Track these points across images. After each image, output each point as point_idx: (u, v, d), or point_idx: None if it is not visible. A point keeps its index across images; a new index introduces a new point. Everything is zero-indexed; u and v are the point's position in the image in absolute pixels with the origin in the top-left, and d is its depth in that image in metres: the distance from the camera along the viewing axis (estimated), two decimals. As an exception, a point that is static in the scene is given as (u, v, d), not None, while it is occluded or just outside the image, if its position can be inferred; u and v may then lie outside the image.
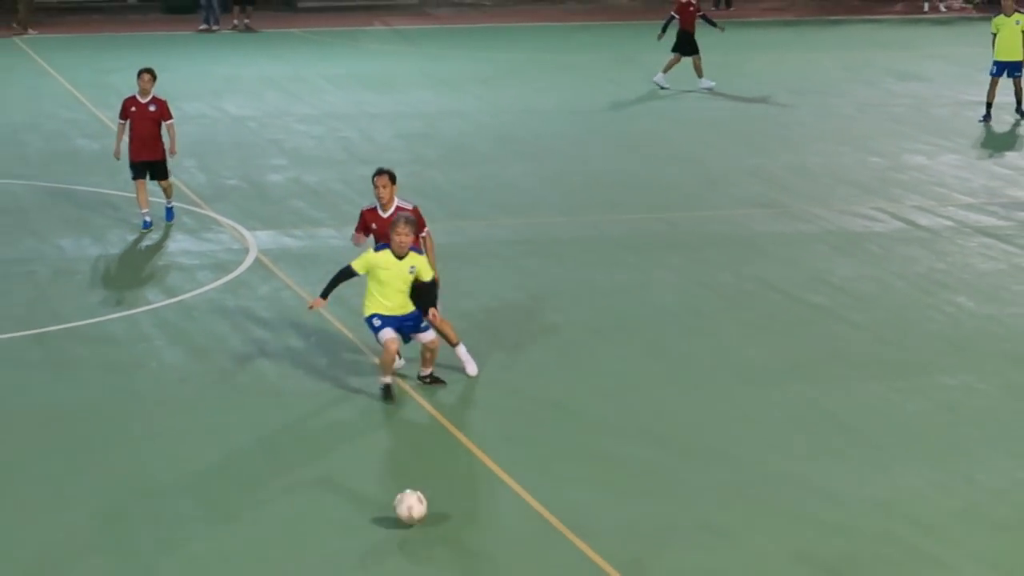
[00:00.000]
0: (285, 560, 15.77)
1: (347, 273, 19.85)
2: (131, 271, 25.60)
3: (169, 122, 28.49)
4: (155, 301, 23.78)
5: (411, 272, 19.44)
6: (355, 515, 16.78)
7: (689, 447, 18.68)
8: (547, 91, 42.67)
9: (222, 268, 25.54)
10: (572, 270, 26.23)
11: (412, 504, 16.38)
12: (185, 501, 17.35)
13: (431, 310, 19.68)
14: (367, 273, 19.66)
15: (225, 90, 41.25)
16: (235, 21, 52.59)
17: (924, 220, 28.89)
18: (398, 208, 20.53)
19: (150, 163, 28.36)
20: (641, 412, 19.77)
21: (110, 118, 35.27)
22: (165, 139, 28.24)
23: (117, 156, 28.67)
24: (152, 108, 28.35)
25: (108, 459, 18.56)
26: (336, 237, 27.32)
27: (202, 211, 29.06)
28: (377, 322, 19.56)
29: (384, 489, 17.20)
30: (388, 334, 19.50)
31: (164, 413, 19.84)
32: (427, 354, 20.00)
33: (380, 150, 34.32)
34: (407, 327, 19.77)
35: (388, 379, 19.86)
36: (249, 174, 32.03)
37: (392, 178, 20.83)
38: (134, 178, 28.40)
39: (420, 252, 19.61)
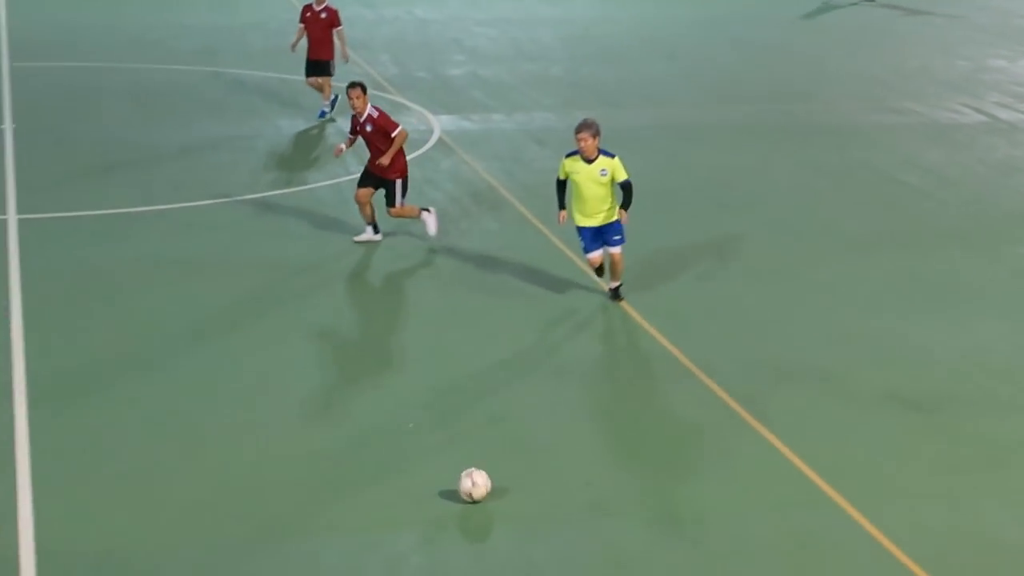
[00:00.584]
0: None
1: (560, 183, 18.23)
2: (328, 145, 25.79)
3: (338, 28, 28.39)
4: (356, 172, 23.93)
5: (603, 175, 17.74)
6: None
7: (801, 303, 18.86)
8: (685, 3, 42.13)
9: (411, 145, 25.67)
10: (703, 152, 26.37)
11: (477, 482, 13.46)
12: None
13: (620, 211, 17.96)
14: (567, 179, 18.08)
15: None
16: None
17: (1004, 115, 28.83)
18: (369, 116, 20.28)
19: (319, 62, 28.29)
20: (762, 273, 19.97)
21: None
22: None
23: (293, 50, 28.71)
24: (323, 15, 28.23)
25: (336, 296, 19.13)
26: (506, 122, 27.72)
27: (394, 98, 29.30)
28: (583, 243, 18.26)
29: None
30: (593, 256, 18.29)
31: (366, 268, 20.38)
32: (615, 268, 18.32)
33: (543, 50, 34.44)
34: (606, 238, 18.10)
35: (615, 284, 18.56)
36: (434, 67, 32.27)
37: (364, 89, 20.37)
38: (308, 75, 28.49)
39: (611, 156, 17.79)
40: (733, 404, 15.61)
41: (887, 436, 15.08)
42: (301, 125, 27.61)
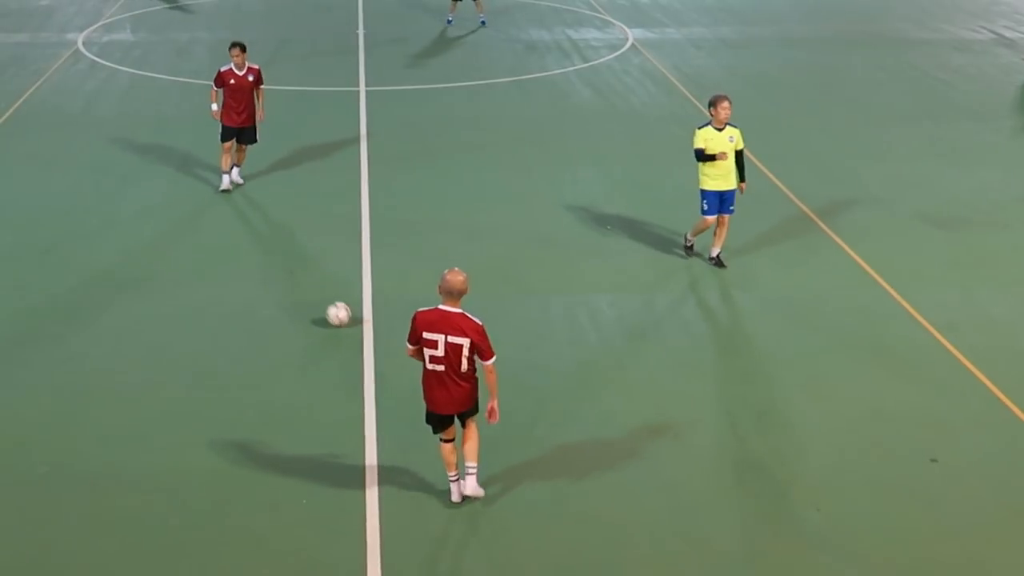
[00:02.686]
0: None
1: (700, 151, 13.66)
2: (566, 49, 25.46)
3: None
4: (579, 64, 23.84)
5: (731, 141, 13.69)
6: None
7: (865, 156, 18.50)
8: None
9: (614, 48, 25.54)
10: (805, 54, 25.56)
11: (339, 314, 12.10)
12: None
13: (740, 183, 13.96)
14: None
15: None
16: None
17: (1008, 34, 27.50)
18: (249, 68, 16.02)
19: None
20: (838, 133, 19.62)
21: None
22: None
23: None
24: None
25: (568, 144, 18.87)
26: (675, 34, 27.16)
27: (603, 16, 28.69)
28: (705, 205, 13.87)
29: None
30: (710, 218, 13.94)
31: (580, 121, 20.13)
32: (722, 232, 14.02)
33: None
34: (724, 206, 13.90)
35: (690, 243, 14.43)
36: (629, -3, 31.39)
37: (243, 48, 15.96)
38: None
39: (735, 126, 13.76)
40: (815, 218, 15.20)
41: (919, 243, 14.74)
42: (542, 32, 26.99)
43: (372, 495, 9.37)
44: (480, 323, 8.77)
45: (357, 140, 18.44)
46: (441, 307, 8.75)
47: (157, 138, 18.76)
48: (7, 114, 19.99)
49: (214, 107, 16.05)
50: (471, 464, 9.22)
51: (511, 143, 18.62)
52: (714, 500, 9.43)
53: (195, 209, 15.73)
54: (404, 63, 23.97)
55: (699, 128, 13.73)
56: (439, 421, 9.13)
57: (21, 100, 20.85)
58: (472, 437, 9.17)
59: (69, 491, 9.46)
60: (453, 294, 8.72)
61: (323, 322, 12.25)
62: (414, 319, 8.82)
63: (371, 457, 9.89)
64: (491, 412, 8.99)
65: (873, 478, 9.73)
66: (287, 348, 11.93)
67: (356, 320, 12.28)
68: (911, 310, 12.79)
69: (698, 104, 20.80)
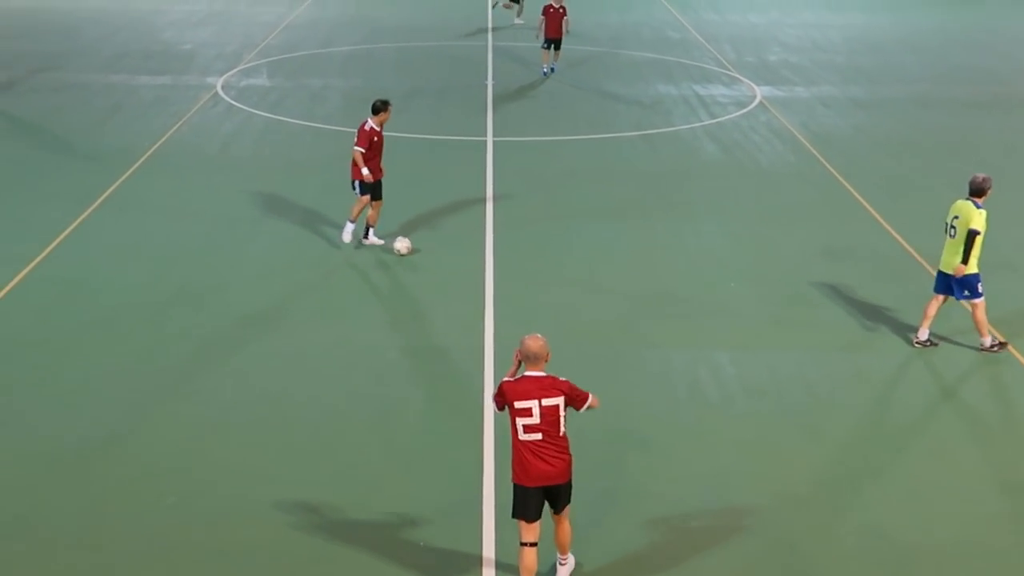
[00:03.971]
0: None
1: (974, 235, 12.62)
2: (693, 105, 25.52)
3: (567, 18, 27.03)
4: (706, 120, 23.83)
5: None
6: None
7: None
8: (936, 16, 40.23)
9: (742, 104, 25.51)
10: (937, 116, 25.13)
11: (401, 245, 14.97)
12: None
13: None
14: None
15: (748, 8, 40.37)
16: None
17: None
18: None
19: (555, 39, 27.11)
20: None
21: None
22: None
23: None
24: (560, 8, 26.82)
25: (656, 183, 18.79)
26: (804, 92, 26.98)
27: (731, 73, 28.65)
28: (980, 287, 12.88)
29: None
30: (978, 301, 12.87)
31: (705, 176, 20.08)
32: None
33: (831, 44, 33.57)
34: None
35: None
36: (758, 54, 31.67)
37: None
38: (543, 47, 27.32)
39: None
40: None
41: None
42: (666, 86, 27.07)
43: (488, 539, 9.43)
44: (567, 380, 8.54)
45: (483, 190, 18.68)
46: (528, 374, 8.47)
47: (289, 181, 19.24)
48: (148, 153, 20.70)
49: (366, 171, 15.56)
50: (564, 557, 8.96)
51: (635, 197, 18.69)
52: (833, 566, 9.28)
53: (323, 252, 16.07)
54: (531, 115, 24.22)
55: (979, 208, 12.70)
56: (531, 501, 8.55)
57: (162, 140, 21.58)
58: (565, 529, 8.79)
59: (196, 521, 9.71)
60: (536, 359, 8.46)
61: (445, 365, 12.45)
62: (501, 389, 8.49)
63: (488, 504, 9.96)
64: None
65: (1000, 552, 9.49)
66: (410, 391, 12.10)
67: (477, 369, 12.41)
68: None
69: (824, 163, 20.62)
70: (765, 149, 21.71)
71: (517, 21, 35.43)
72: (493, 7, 36.69)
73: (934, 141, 22.87)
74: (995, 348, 13.12)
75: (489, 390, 11.96)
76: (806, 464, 10.82)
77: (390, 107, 15.73)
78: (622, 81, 27.61)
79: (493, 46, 31.98)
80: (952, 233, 12.85)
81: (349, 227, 16.03)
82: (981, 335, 13.10)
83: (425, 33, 34.11)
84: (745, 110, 24.83)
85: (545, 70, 27.88)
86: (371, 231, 16.25)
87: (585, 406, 8.59)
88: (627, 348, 13.08)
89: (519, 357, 8.56)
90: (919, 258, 15.96)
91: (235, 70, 28.13)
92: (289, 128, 22.78)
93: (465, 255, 15.90)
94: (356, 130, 15.74)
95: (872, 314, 14.23)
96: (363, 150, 15.50)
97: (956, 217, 12.74)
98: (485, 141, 21.58)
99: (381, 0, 41.37)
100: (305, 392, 12.06)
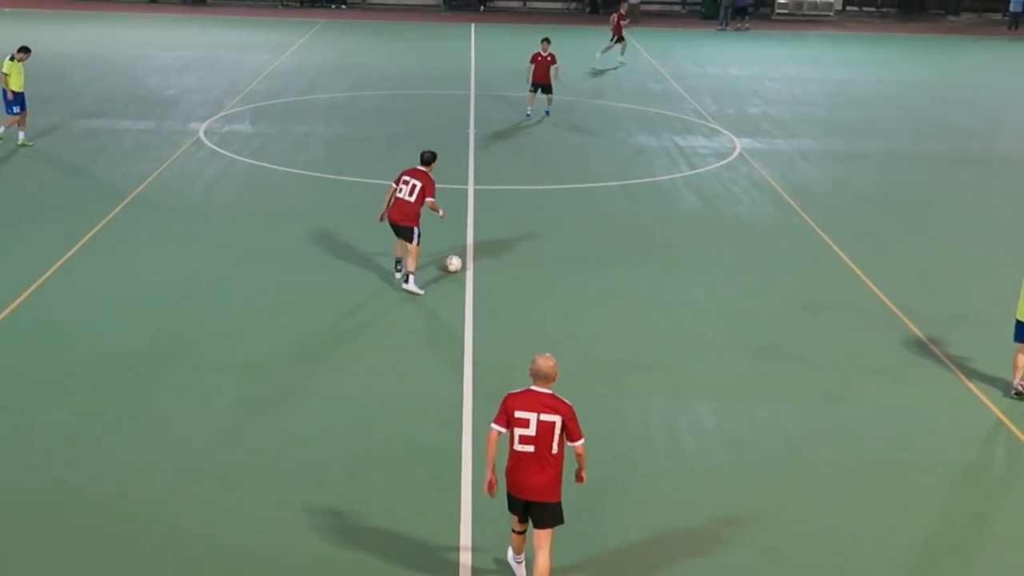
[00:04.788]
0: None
1: None
2: (674, 156, 25.66)
3: (556, 66, 28.24)
4: (686, 172, 24.01)
5: None
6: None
7: (970, 268, 17.96)
8: (911, 71, 40.75)
9: (722, 156, 25.70)
10: (915, 170, 25.35)
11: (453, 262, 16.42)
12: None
13: None
14: None
15: (729, 62, 40.66)
16: (738, 25, 51.46)
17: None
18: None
19: (542, 84, 28.23)
20: (944, 248, 19.19)
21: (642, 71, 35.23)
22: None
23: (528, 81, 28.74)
24: (548, 56, 28.06)
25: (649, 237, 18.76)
26: (783, 145, 27.15)
27: (711, 125, 28.90)
28: None
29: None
30: None
31: (685, 227, 20.23)
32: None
33: (810, 98, 33.76)
34: None
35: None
36: (739, 107, 31.82)
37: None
38: (530, 90, 28.39)
39: None
40: (922, 336, 14.95)
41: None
42: (649, 138, 27.31)
43: (465, 590, 9.41)
44: (570, 403, 8.96)
45: (464, 237, 18.75)
46: (532, 388, 8.95)
47: (271, 227, 19.29)
48: (130, 197, 20.72)
49: (441, 212, 16.47)
50: None
51: (616, 246, 18.79)
52: (810, 616, 9.28)
53: (304, 296, 16.10)
54: (513, 164, 24.36)
55: None
56: (519, 508, 9.15)
57: (144, 184, 21.61)
58: (545, 559, 9.02)
59: (170, 569, 9.65)
60: (545, 377, 8.93)
61: (424, 412, 12.46)
62: (505, 400, 9.01)
63: (465, 557, 9.94)
64: (580, 477, 9.29)
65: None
66: (388, 438, 12.09)
67: (456, 417, 12.42)
68: (1019, 434, 12.54)
69: (803, 215, 20.79)
70: (745, 201, 21.88)
71: (620, 60, 38.34)
72: (602, 54, 38.43)
73: (912, 195, 23.08)
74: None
75: (468, 439, 11.95)
76: (785, 516, 10.84)
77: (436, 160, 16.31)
78: (603, 131, 27.82)
79: (476, 95, 32.19)
80: None
81: (412, 280, 16.22)
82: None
83: (408, 81, 34.34)
84: (725, 162, 25.01)
85: (529, 112, 28.56)
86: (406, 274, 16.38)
87: (579, 443, 8.97)
88: (607, 397, 13.11)
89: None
90: (896, 311, 16.08)
91: (218, 116, 28.23)
92: (271, 174, 22.85)
93: (446, 302, 15.95)
94: (417, 181, 16.04)
95: (851, 366, 14.32)
96: (433, 198, 16.01)
97: None
98: (466, 189, 21.68)
99: (365, 48, 41.65)
100: (282, 438, 12.03)
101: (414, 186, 15.88)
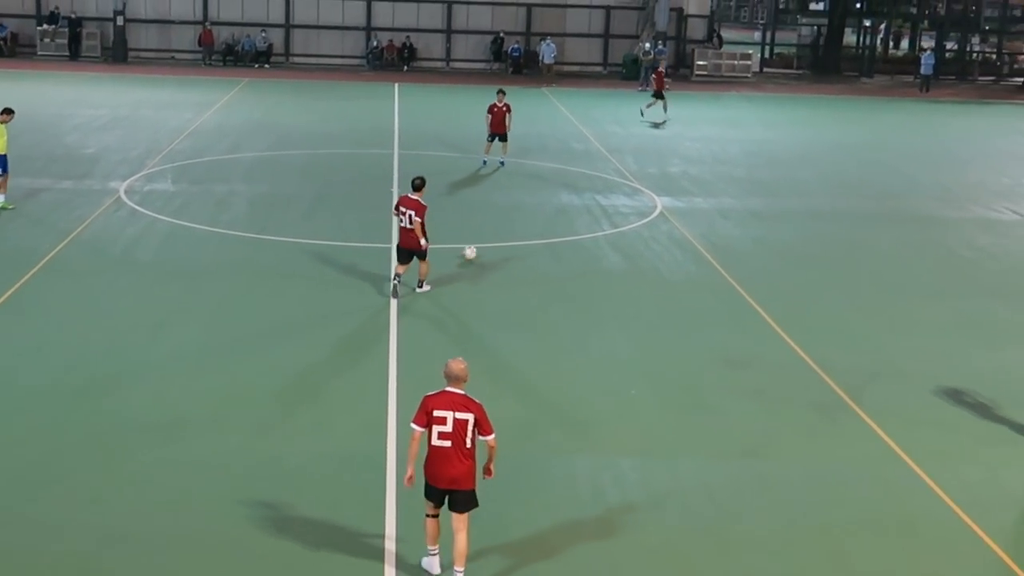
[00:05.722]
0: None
1: None
2: (596, 215, 25.94)
3: (510, 115, 29.87)
4: (608, 230, 24.26)
5: None
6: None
7: (892, 329, 18.52)
8: (828, 132, 41.67)
9: (643, 215, 26.01)
10: (832, 228, 25.90)
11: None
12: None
13: None
14: None
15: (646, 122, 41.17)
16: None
17: (1032, 216, 27.79)
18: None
19: (499, 134, 29.74)
20: (866, 308, 19.48)
21: (595, 133, 35.68)
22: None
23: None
24: (504, 107, 29.82)
25: (590, 299, 18.97)
26: (703, 203, 27.52)
27: (634, 184, 29.25)
28: None
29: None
30: None
31: (608, 286, 20.42)
32: None
33: (730, 158, 34.38)
34: None
35: None
36: (660, 166, 32.32)
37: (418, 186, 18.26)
38: (487, 139, 29.93)
39: None
40: (841, 391, 15.18)
41: (944, 419, 14.68)
42: (575, 198, 27.59)
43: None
44: (480, 402, 10.07)
45: (387, 297, 18.75)
46: (447, 389, 10.07)
47: (192, 286, 19.17)
48: (49, 256, 20.48)
49: (424, 242, 18.44)
50: (459, 569, 10.06)
51: (540, 304, 18.92)
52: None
53: (226, 357, 15.99)
54: (437, 223, 24.31)
55: None
56: (437, 495, 10.12)
57: (63, 244, 21.37)
58: (463, 539, 10.06)
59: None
60: (457, 379, 10.12)
61: (347, 473, 12.41)
62: (423, 401, 10.08)
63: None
64: (488, 471, 10.29)
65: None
66: (311, 500, 12.00)
67: (380, 476, 12.38)
68: (935, 487, 12.78)
69: (724, 272, 21.08)
70: (666, 258, 22.15)
71: (665, 117, 40.88)
72: (644, 111, 41.16)
73: (830, 253, 23.53)
74: None
75: (392, 499, 11.93)
76: (708, 571, 10.91)
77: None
78: (527, 190, 28.06)
79: (399, 153, 32.32)
80: None
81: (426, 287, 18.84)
82: None
83: (332, 140, 34.41)
84: (646, 220, 25.33)
85: (485, 160, 29.98)
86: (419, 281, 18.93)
87: (490, 437, 10.07)
88: (531, 454, 13.15)
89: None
90: (815, 366, 16.34)
91: (139, 175, 28.05)
92: (193, 233, 22.72)
93: (368, 361, 15.92)
94: (405, 205, 18.23)
95: (771, 421, 14.52)
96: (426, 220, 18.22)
97: None
98: (389, 248, 21.68)
99: (289, 107, 41.68)
100: (204, 500, 11.89)
101: (411, 215, 18.07)
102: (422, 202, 18.22)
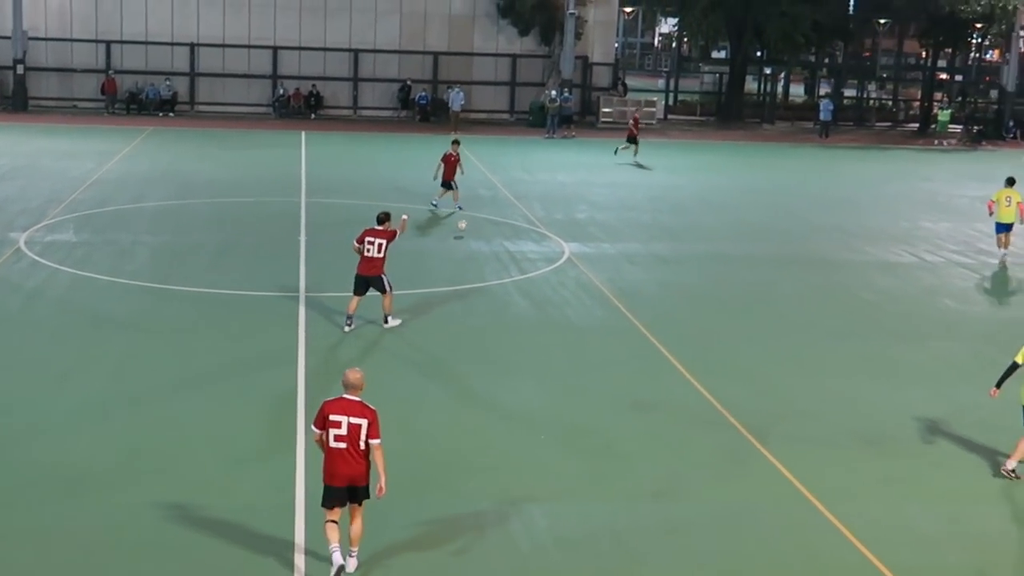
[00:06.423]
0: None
1: (1012, 367, 14.48)
2: (504, 261, 26.03)
3: (460, 164, 31.14)
4: (517, 276, 24.36)
5: None
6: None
7: (798, 371, 18.82)
8: (731, 177, 42.32)
9: (551, 261, 26.16)
10: (737, 272, 26.27)
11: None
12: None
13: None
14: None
15: (557, 168, 41.68)
16: (564, 133, 52.83)
17: (929, 258, 28.50)
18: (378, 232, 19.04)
19: (450, 181, 31.07)
20: (773, 349, 19.81)
21: (501, 180, 35.78)
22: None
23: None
24: (455, 156, 31.09)
25: (486, 345, 19.02)
26: (610, 249, 27.76)
27: (540, 230, 29.46)
28: None
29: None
30: None
31: (517, 332, 20.56)
32: None
33: (636, 203, 34.80)
34: None
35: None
36: (567, 212, 32.58)
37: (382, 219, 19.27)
38: (441, 185, 31.04)
39: None
40: (747, 433, 15.37)
41: (847, 459, 14.90)
42: (484, 246, 27.68)
43: None
44: (375, 408, 10.98)
45: (295, 345, 18.63)
46: (344, 396, 10.99)
47: (96, 337, 18.86)
48: (-56, 310, 19.99)
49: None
50: (354, 550, 11.07)
51: (449, 351, 18.92)
52: None
53: (131, 409, 15.73)
54: (345, 270, 24.24)
55: None
56: (336, 496, 11.01)
57: (-40, 297, 20.89)
58: (358, 524, 11.10)
59: None
60: (353, 387, 11.06)
61: (255, 524, 12.25)
62: (322, 406, 11.01)
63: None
64: (379, 489, 10.95)
65: None
66: (220, 553, 11.82)
67: (288, 525, 12.25)
68: (840, 526, 12.97)
69: (631, 317, 21.27)
70: (574, 304, 22.30)
71: (620, 155, 43.68)
72: (616, 153, 44.12)
73: (735, 296, 23.87)
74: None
75: (301, 549, 11.81)
76: (617, 614, 10.92)
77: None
78: (435, 237, 28.12)
79: (307, 201, 32.21)
80: None
81: (390, 319, 19.57)
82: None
83: (238, 189, 34.18)
84: (554, 266, 25.49)
85: (435, 202, 31.15)
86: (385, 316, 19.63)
87: (375, 441, 10.93)
88: (439, 501, 13.10)
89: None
90: (722, 409, 16.53)
91: (40, 225, 27.58)
92: (96, 284, 22.38)
93: (277, 413, 15.76)
94: (372, 235, 19.22)
95: (680, 463, 14.64)
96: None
97: None
98: (298, 296, 21.57)
99: (194, 156, 41.35)
100: (109, 556, 11.65)
101: (380, 244, 19.00)
102: (389, 229, 19.13)
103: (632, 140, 43.78)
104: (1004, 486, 14.43)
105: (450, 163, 30.84)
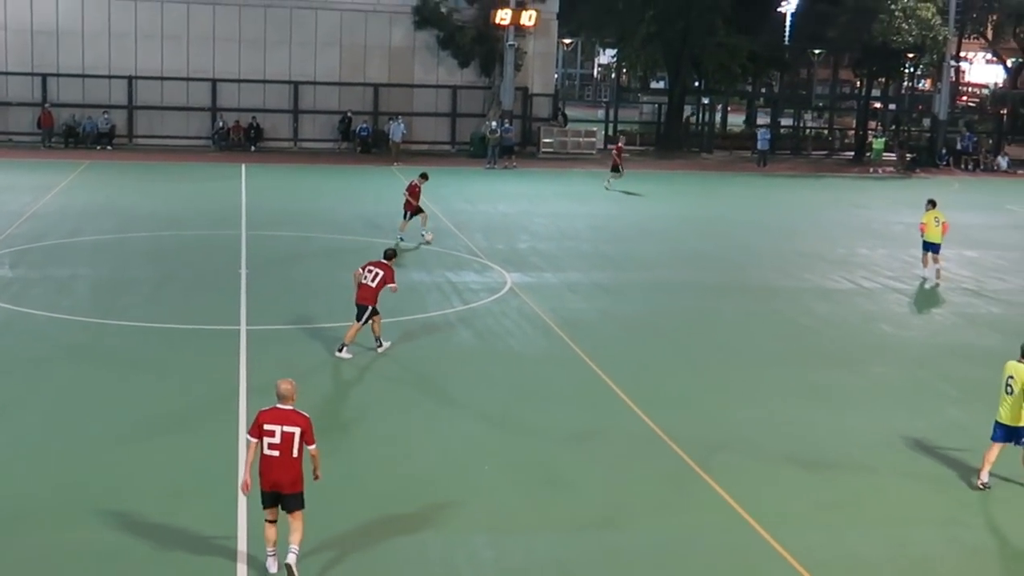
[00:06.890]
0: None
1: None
2: (446, 292, 26.03)
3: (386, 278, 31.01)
4: (458, 306, 24.37)
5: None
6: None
7: (739, 396, 18.86)
8: (671, 206, 42.65)
9: (493, 291, 26.17)
10: (677, 300, 26.42)
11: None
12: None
13: None
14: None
15: (499, 199, 41.76)
16: (505, 163, 52.96)
17: (866, 284, 28.81)
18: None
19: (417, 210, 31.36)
20: (711, 375, 19.96)
21: (451, 216, 35.82)
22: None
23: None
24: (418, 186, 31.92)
25: (448, 386, 19.01)
26: (552, 278, 27.84)
27: (483, 261, 29.44)
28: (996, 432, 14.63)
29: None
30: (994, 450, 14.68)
31: (460, 362, 20.48)
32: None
33: (577, 233, 34.88)
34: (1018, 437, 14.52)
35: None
36: (509, 242, 32.59)
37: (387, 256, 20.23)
38: (404, 217, 31.37)
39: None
40: (689, 460, 15.45)
41: (789, 484, 14.94)
42: (425, 276, 27.63)
43: None
44: (307, 416, 11.40)
45: (236, 379, 18.48)
46: (278, 406, 11.35)
47: (32, 374, 18.57)
48: None
49: (394, 285, 20.09)
50: (294, 546, 11.40)
51: (391, 383, 18.85)
52: None
53: (68, 448, 15.50)
54: (286, 302, 24.23)
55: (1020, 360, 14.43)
56: (265, 498, 11.40)
57: None
58: (298, 529, 11.44)
59: None
60: (285, 397, 11.42)
61: (197, 563, 12.09)
62: (257, 416, 11.35)
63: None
64: (316, 476, 11.64)
65: None
66: (158, 590, 11.66)
67: (230, 563, 12.11)
68: (782, 551, 13.04)
69: (573, 346, 21.32)
70: (517, 334, 22.33)
71: (607, 185, 44.98)
72: (606, 188, 44.77)
73: (676, 324, 24.01)
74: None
75: (242, 584, 11.71)
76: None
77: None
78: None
79: (247, 234, 32.02)
80: (1009, 391, 14.46)
81: (346, 352, 19.77)
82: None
83: (178, 222, 33.91)
84: (496, 296, 25.50)
85: (402, 236, 30.99)
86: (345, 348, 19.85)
87: (312, 447, 11.41)
88: (382, 536, 13.01)
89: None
90: (664, 436, 16.58)
91: (-26, 260, 27.18)
92: (32, 320, 22.08)
93: (217, 448, 15.61)
94: (374, 266, 19.78)
95: (623, 492, 14.66)
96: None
97: (1011, 377, 14.37)
98: (239, 330, 21.41)
99: (132, 189, 40.99)
100: (45, 596, 11.45)
101: (377, 274, 19.48)
102: (392, 267, 19.80)
103: (615, 169, 45.01)
104: (944, 509, 14.59)
105: (413, 193, 31.28)
